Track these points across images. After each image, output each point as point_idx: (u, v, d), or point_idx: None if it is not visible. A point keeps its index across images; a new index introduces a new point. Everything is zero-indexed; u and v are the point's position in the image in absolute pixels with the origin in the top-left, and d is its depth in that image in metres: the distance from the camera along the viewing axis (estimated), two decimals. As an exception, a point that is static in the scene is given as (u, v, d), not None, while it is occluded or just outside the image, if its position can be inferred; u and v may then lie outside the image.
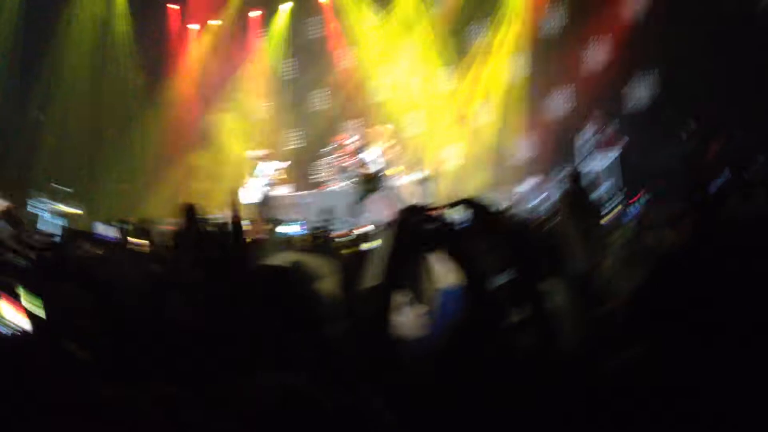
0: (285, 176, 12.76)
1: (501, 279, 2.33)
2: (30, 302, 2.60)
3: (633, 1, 12.59)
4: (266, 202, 12.13)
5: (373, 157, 11.77)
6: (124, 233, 5.00)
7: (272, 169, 12.41)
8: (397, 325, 2.21)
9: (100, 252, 3.67)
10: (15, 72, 13.21)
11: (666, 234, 4.32)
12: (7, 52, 13.19)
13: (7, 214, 9.56)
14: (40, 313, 2.58)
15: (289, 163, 13.05)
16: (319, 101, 15.21)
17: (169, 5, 15.51)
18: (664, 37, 11.54)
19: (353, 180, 12.17)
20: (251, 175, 12.42)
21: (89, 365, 2.03)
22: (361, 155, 11.94)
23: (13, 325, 2.51)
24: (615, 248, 3.23)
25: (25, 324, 2.53)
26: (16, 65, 13.23)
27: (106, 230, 5.22)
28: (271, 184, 12.33)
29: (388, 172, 11.78)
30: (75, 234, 4.16)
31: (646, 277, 1.60)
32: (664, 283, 1.54)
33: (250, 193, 12.18)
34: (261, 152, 12.71)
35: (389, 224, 2.54)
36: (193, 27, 15.73)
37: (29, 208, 11.72)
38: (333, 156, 13.19)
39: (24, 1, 13.31)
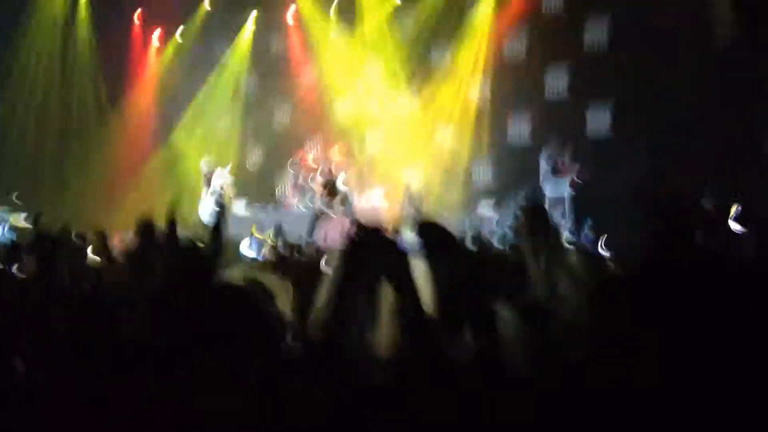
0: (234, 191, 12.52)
1: (451, 303, 2.33)
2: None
3: (594, 29, 12.80)
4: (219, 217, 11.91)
5: (334, 178, 11.76)
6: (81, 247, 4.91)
7: (224, 181, 12.17)
8: (346, 349, 2.19)
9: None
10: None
11: (612, 262, 4.39)
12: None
13: None
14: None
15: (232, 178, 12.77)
16: (281, 117, 15.14)
17: (133, 13, 15.30)
18: (622, 66, 11.78)
19: (311, 198, 12.12)
20: (206, 189, 12.21)
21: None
22: (321, 174, 11.92)
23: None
24: (566, 274, 3.25)
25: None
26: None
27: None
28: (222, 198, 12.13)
29: (344, 193, 11.75)
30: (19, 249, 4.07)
31: (589, 303, 1.61)
32: (607, 309, 1.55)
33: (205, 209, 11.98)
34: (212, 163, 12.49)
35: (344, 245, 2.52)
36: (156, 36, 15.56)
37: None
38: (292, 173, 13.13)
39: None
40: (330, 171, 12.02)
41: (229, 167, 12.47)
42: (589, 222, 9.57)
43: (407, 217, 9.70)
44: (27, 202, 12.00)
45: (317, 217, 11.52)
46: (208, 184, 12.13)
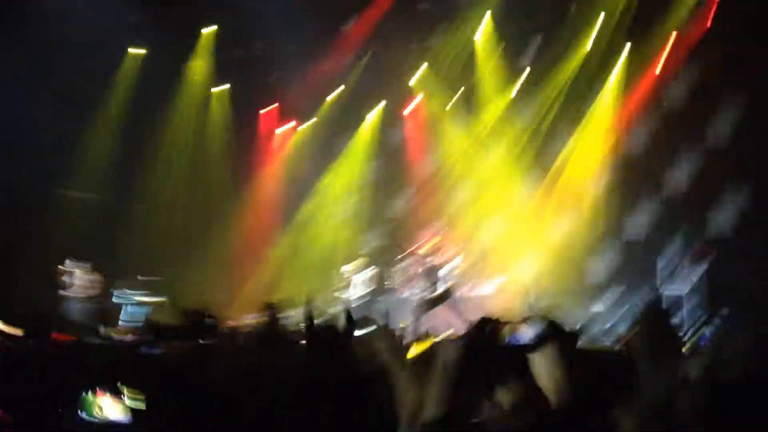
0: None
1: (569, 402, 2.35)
2: (132, 398, 2.75)
3: (723, 116, 12.51)
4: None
5: (447, 267, 11.81)
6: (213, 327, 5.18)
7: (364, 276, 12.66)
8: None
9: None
10: (117, 167, 13.92)
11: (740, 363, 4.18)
12: (109, 147, 13.96)
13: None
14: (141, 407, 2.72)
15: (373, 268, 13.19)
16: (400, 205, 15.47)
17: (263, 110, 16.21)
18: (753, 152, 11.40)
19: (426, 286, 12.22)
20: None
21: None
22: (434, 262, 12.02)
23: (108, 419, 2.66)
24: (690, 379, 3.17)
25: (122, 417, 2.67)
26: (118, 161, 13.96)
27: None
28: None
29: (457, 282, 11.75)
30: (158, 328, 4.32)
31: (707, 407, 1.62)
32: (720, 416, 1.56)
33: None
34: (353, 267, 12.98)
35: (462, 335, 2.60)
36: (286, 127, 16.35)
37: (114, 299, 12.11)
38: (409, 261, 13.28)
39: (129, 99, 14.15)
40: (436, 260, 12.10)
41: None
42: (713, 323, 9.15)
43: (527, 312, 9.58)
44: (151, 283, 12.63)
45: (424, 306, 11.52)
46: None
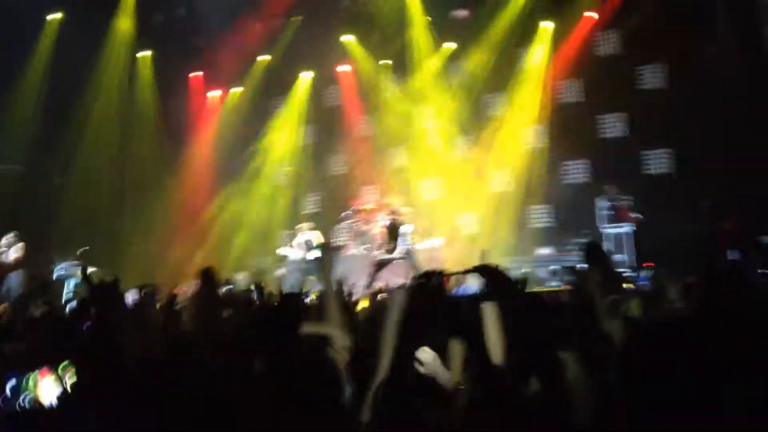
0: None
1: (518, 351, 2.32)
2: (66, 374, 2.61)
3: (651, 76, 12.85)
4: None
5: (397, 224, 11.82)
6: (147, 298, 5.02)
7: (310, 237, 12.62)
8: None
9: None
10: (39, 136, 13.41)
11: (676, 304, 4.30)
12: (31, 116, 13.42)
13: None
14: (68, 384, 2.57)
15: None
16: (337, 167, 15.37)
17: (191, 74, 15.82)
18: (678, 114, 11.77)
19: (368, 245, 12.26)
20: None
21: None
22: (382, 221, 12.03)
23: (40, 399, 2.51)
24: (629, 318, 3.20)
25: (52, 395, 2.52)
26: (40, 130, 13.44)
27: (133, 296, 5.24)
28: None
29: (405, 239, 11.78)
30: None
31: (652, 344, 1.59)
32: (670, 351, 1.54)
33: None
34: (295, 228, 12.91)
35: (404, 289, 2.53)
36: (215, 94, 16.03)
37: (56, 274, 11.77)
38: (350, 221, 13.27)
39: (49, 66, 13.59)
40: (391, 218, 12.09)
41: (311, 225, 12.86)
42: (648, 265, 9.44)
43: (465, 262, 9.64)
44: (90, 256, 12.29)
45: (379, 264, 11.52)
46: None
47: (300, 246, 12.73)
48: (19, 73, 13.42)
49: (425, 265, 11.61)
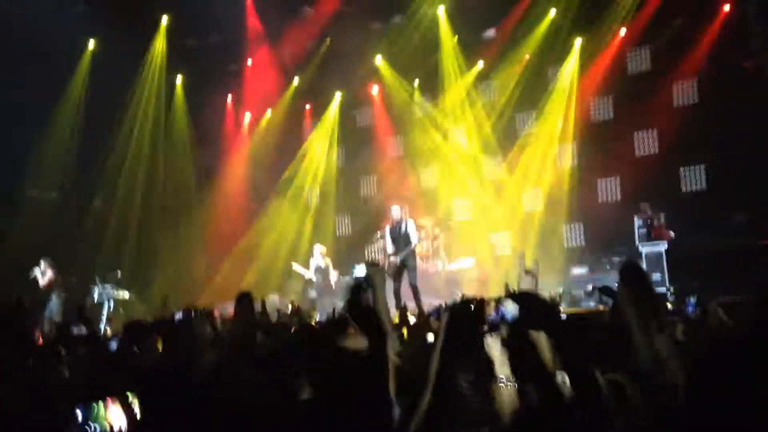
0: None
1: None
2: (125, 401, 2.64)
3: (680, 94, 12.77)
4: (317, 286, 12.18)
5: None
6: (192, 319, 5.07)
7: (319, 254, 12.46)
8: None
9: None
10: (76, 161, 13.62)
11: (727, 324, 4.23)
12: (69, 141, 13.65)
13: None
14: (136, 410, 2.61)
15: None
16: (367, 188, 15.43)
17: (224, 98, 16.02)
18: (711, 128, 11.72)
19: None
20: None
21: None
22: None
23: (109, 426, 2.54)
24: (680, 342, 3.17)
25: (121, 422, 2.55)
26: (77, 155, 13.65)
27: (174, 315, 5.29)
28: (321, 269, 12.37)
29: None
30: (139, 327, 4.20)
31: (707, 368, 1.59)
32: (726, 373, 1.53)
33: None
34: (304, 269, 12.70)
35: (438, 313, 2.55)
36: (247, 116, 16.21)
37: (95, 295, 11.92)
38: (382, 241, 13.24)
39: (85, 92, 13.82)
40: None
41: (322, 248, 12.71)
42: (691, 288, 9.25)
43: (521, 284, 9.47)
44: (126, 278, 12.44)
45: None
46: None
47: (312, 267, 12.53)
48: (56, 100, 13.67)
49: (452, 284, 11.56)
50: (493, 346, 2.38)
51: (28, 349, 3.99)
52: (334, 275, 12.24)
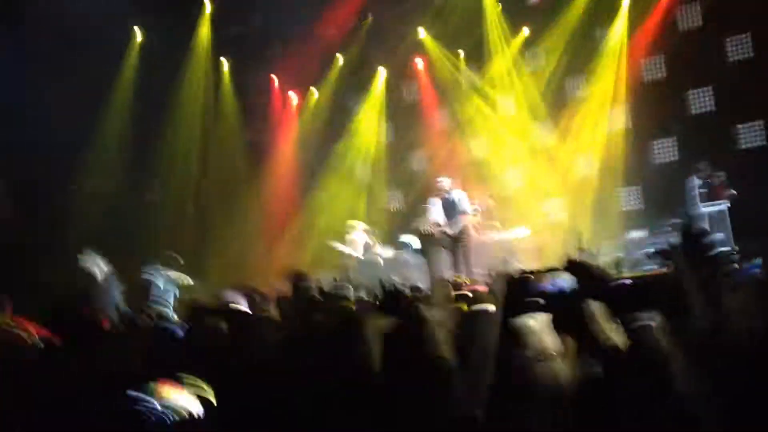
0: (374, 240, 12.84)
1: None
2: (195, 386, 2.69)
3: (734, 49, 12.36)
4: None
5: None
6: (254, 302, 5.16)
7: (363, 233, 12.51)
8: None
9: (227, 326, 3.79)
10: (128, 152, 13.89)
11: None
12: (123, 137, 13.92)
13: None
14: (210, 396, 2.66)
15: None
16: (417, 163, 15.40)
17: (270, 79, 16.12)
18: (766, 84, 11.32)
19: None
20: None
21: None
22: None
23: (184, 411, 2.58)
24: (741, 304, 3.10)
25: (195, 408, 2.60)
26: (129, 146, 13.92)
27: (234, 297, 5.34)
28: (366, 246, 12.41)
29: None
30: (204, 311, 4.30)
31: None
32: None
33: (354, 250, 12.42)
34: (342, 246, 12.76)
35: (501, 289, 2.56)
36: (293, 97, 16.30)
37: (143, 275, 12.15)
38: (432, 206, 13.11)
39: (135, 82, 14.07)
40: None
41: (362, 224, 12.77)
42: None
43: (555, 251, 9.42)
44: (187, 265, 12.65)
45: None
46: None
47: (354, 244, 12.62)
48: (106, 93, 13.92)
49: (507, 254, 11.44)
50: (545, 319, 2.39)
51: (98, 337, 4.10)
52: (381, 251, 12.31)
